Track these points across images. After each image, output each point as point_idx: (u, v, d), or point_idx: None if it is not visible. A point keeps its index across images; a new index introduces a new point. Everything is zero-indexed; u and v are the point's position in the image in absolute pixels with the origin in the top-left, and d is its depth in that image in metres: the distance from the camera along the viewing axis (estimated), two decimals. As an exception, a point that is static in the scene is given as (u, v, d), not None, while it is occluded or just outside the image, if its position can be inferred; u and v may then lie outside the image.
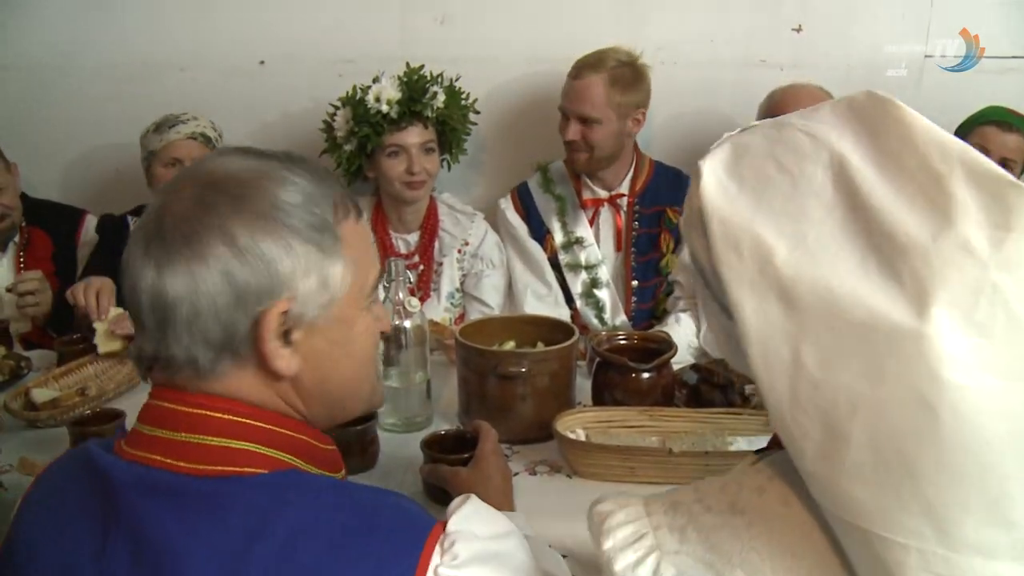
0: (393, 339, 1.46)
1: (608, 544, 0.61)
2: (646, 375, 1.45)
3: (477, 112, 2.06)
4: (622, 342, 1.56)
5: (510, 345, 1.57)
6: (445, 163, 2.06)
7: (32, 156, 2.33)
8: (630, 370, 1.45)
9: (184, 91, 2.31)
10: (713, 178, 0.61)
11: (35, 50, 2.32)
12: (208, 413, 0.67)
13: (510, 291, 2.05)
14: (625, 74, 1.89)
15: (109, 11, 2.29)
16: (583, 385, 1.54)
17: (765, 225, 0.56)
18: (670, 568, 0.58)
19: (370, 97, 1.89)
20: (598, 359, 1.50)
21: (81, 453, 0.72)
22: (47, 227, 2.20)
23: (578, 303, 2.01)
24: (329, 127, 2.01)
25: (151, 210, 0.69)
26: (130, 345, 1.50)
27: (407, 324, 1.48)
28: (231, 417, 0.67)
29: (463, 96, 2.02)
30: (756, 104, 2.06)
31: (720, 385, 1.58)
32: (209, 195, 0.66)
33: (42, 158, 2.37)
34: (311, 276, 0.68)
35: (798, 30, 2.18)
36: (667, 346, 1.52)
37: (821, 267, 0.53)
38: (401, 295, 1.47)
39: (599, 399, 1.50)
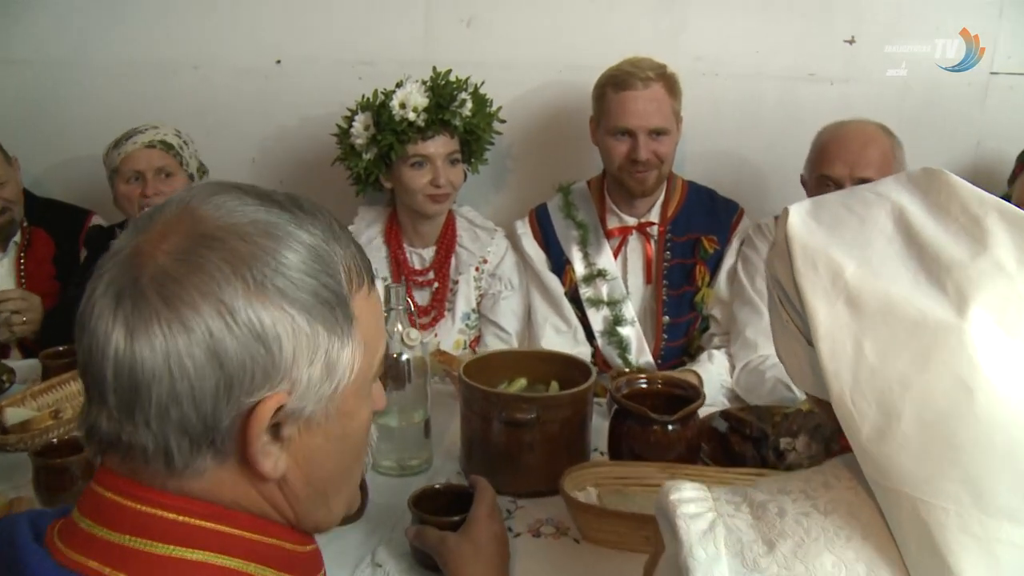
0: (391, 373, 1.33)
1: (675, 496, 0.69)
2: (670, 427, 1.28)
3: (502, 121, 1.94)
4: (643, 386, 1.40)
5: (520, 383, 1.45)
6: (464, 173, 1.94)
7: (41, 153, 2.28)
8: (651, 421, 1.28)
9: (197, 90, 2.23)
10: (797, 217, 0.72)
11: (46, 45, 2.26)
12: (160, 513, 0.56)
13: (529, 318, 1.91)
14: (675, 81, 1.77)
15: (122, 6, 2.22)
16: (600, 427, 1.40)
17: (838, 249, 0.68)
18: (722, 528, 0.67)
19: (395, 103, 1.77)
20: (616, 406, 1.33)
21: (5, 534, 0.59)
22: (50, 227, 2.12)
23: (599, 341, 1.85)
24: (345, 133, 1.89)
25: (123, 255, 0.56)
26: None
27: (406, 357, 1.33)
28: (186, 519, 0.56)
29: (489, 103, 1.90)
30: (802, 121, 1.91)
31: (752, 438, 1.42)
32: (199, 251, 0.54)
33: (51, 155, 2.32)
34: (317, 362, 0.57)
35: (851, 42, 2.01)
36: (694, 394, 1.35)
37: (881, 279, 0.64)
38: (400, 326, 1.33)
39: (616, 451, 1.34)
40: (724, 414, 1.45)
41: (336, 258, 0.59)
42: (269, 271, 0.55)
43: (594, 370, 1.37)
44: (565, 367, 1.43)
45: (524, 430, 1.28)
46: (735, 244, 1.85)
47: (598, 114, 1.82)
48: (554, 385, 1.43)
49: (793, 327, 0.73)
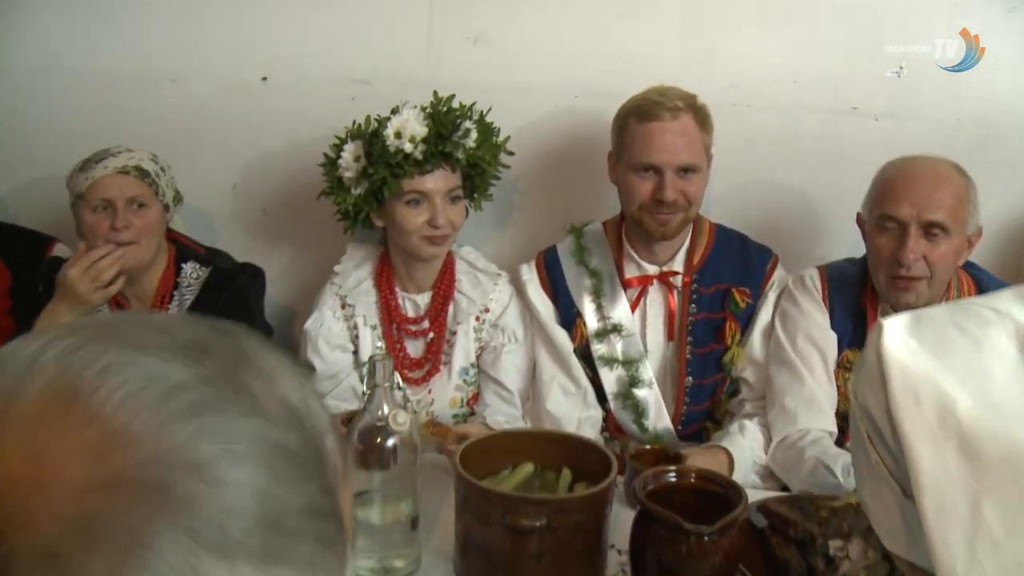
0: (373, 457, 1.17)
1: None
2: (706, 537, 1.08)
3: (510, 153, 1.78)
4: (672, 479, 1.20)
5: (526, 470, 1.29)
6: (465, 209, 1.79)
7: (5, 169, 2.12)
8: (685, 531, 1.07)
9: (174, 106, 2.06)
10: (894, 334, 0.61)
11: (17, 52, 2.09)
12: None
13: (534, 375, 1.76)
14: (706, 113, 1.65)
15: (94, 11, 2.04)
16: (618, 516, 1.21)
17: (947, 378, 0.57)
18: None
19: (389, 132, 1.61)
20: (639, 506, 1.13)
21: None
22: (7, 256, 1.92)
23: (612, 404, 1.71)
24: (332, 163, 1.72)
25: None
26: None
27: (391, 443, 1.16)
28: None
29: (495, 132, 1.75)
30: (844, 159, 1.83)
31: (797, 540, 1.22)
32: (102, 507, 0.33)
33: (18, 170, 2.14)
34: None
35: (899, 73, 1.84)
36: (734, 495, 1.14)
37: (1007, 419, 0.54)
38: (386, 407, 1.15)
39: (639, 561, 1.16)
40: (763, 508, 1.26)
41: (323, 451, 0.40)
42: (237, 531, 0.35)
43: (614, 461, 1.20)
44: (579, 452, 1.27)
45: (531, 537, 1.10)
46: (770, 297, 1.70)
47: (618, 148, 1.67)
48: (566, 474, 1.27)
49: (884, 470, 0.63)
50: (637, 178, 1.62)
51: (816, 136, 1.89)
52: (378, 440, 1.16)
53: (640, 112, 1.60)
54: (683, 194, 1.60)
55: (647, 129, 1.59)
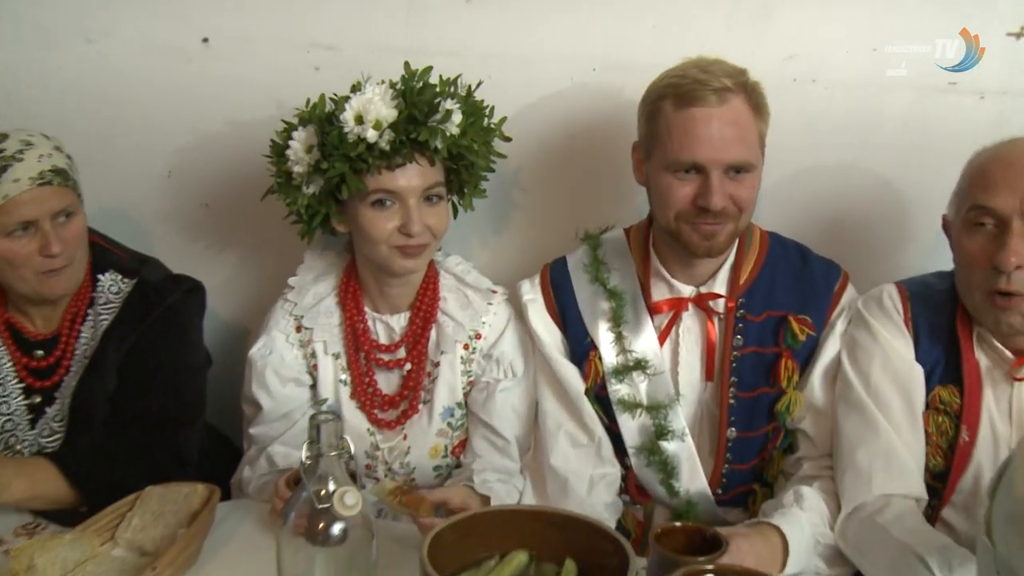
0: (317, 536, 1.11)
1: None
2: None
3: (507, 139, 1.73)
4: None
5: (519, 560, 1.21)
6: (450, 208, 1.75)
7: None
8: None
9: (90, 73, 2.00)
10: None
11: None
12: None
13: (536, 420, 1.73)
14: (759, 94, 1.57)
15: None
16: None
17: None
18: None
19: (348, 116, 1.54)
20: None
21: None
22: None
23: (633, 460, 1.66)
24: (279, 155, 1.65)
25: None
26: None
27: (337, 530, 1.09)
28: None
29: (486, 112, 1.68)
30: (936, 147, 1.77)
31: None
32: None
33: None
34: None
35: (1018, 35, 1.75)
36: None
37: None
38: (332, 485, 1.08)
39: None
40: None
41: None
42: None
43: (632, 556, 1.10)
44: (587, 539, 1.18)
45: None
46: (838, 327, 1.61)
47: (648, 139, 1.59)
48: (569, 567, 1.18)
49: None
50: (674, 180, 1.54)
51: (900, 119, 1.83)
52: (321, 527, 1.08)
53: (678, 94, 1.51)
54: (733, 200, 1.53)
55: (687, 117, 1.50)
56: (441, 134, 1.58)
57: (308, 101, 1.63)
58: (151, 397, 1.62)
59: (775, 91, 1.61)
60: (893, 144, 1.83)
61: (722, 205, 1.52)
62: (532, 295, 1.72)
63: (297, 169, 1.60)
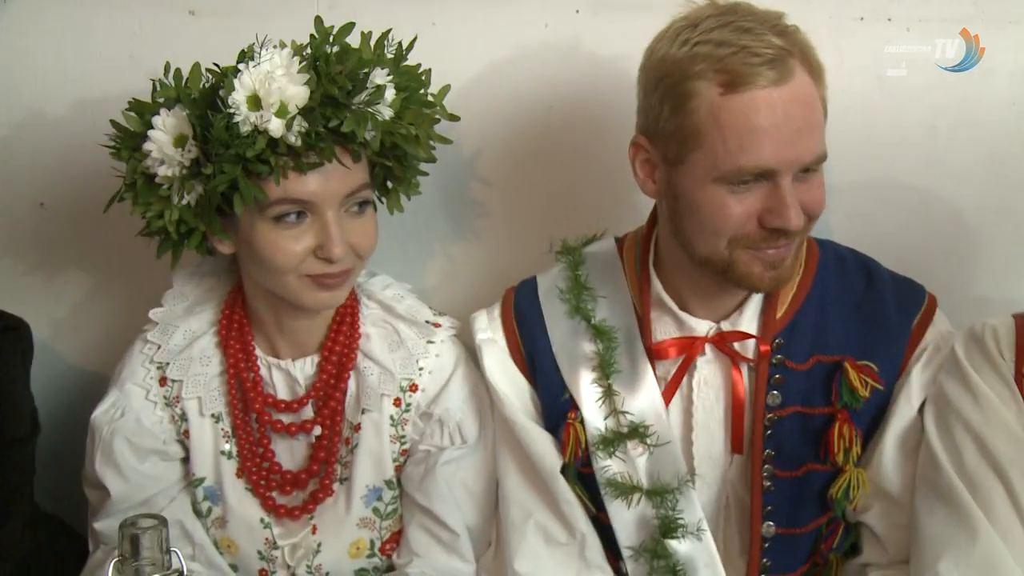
0: None
1: None
2: None
3: (453, 118, 1.76)
4: None
5: None
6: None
7: None
8: None
9: None
10: None
11: None
12: None
13: (496, 506, 1.76)
14: (812, 49, 1.59)
15: None
16: None
17: None
18: None
19: (238, 96, 1.54)
20: None
21: None
22: None
23: (630, 567, 1.68)
24: (128, 148, 1.65)
25: None
26: None
27: None
28: None
29: (420, 83, 1.70)
30: None
31: None
32: None
33: None
34: None
35: None
36: None
37: None
38: None
39: None
40: None
41: None
42: None
43: None
44: None
45: None
46: (921, 376, 1.62)
47: (674, 135, 1.57)
48: None
49: None
50: (730, 195, 1.54)
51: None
52: None
53: (722, 71, 1.50)
54: (805, 208, 1.55)
55: (745, 105, 1.49)
56: (372, 119, 1.58)
57: (168, 67, 1.63)
58: None
59: (827, 41, 1.67)
60: (996, 120, 1.91)
61: (802, 222, 1.54)
62: (489, 332, 1.75)
63: (163, 171, 1.59)
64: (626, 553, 1.66)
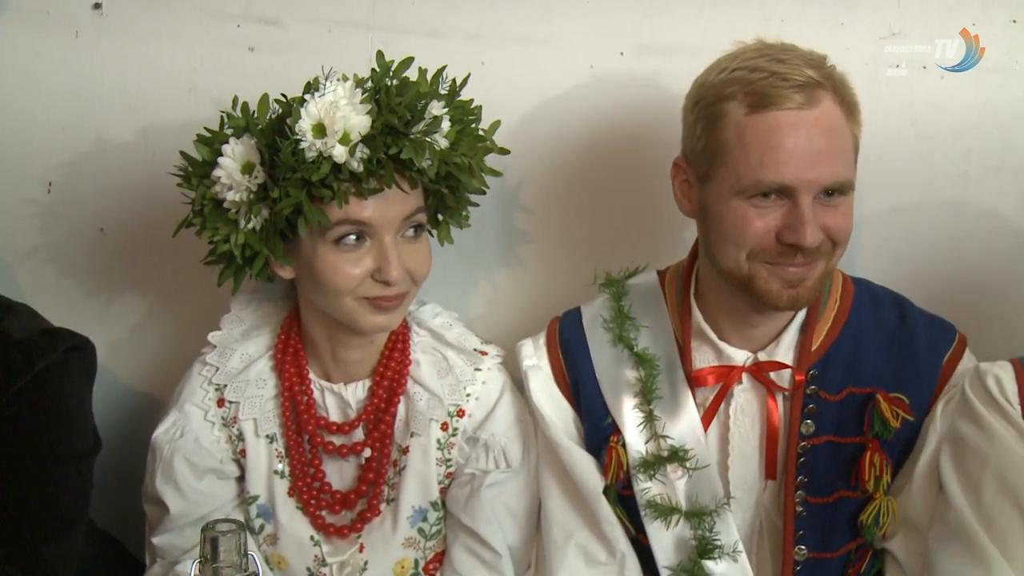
0: None
1: None
2: None
3: (503, 152, 1.80)
4: None
5: None
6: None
7: None
8: None
9: None
10: None
11: None
12: None
13: (538, 527, 1.79)
14: (847, 88, 1.63)
15: None
16: None
17: None
18: None
19: (304, 124, 1.58)
20: None
21: None
22: None
23: None
24: (199, 175, 1.69)
25: None
26: None
27: None
28: None
29: (475, 116, 1.74)
30: None
31: None
32: None
33: None
34: None
35: None
36: None
37: None
38: None
39: None
40: None
41: None
42: None
43: None
44: None
45: None
46: (944, 413, 1.64)
47: (705, 154, 1.62)
48: None
49: None
50: (750, 208, 1.58)
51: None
52: None
53: (752, 92, 1.55)
54: (826, 231, 1.58)
55: (768, 124, 1.54)
56: (429, 148, 1.62)
57: (236, 100, 1.67)
58: (8, 496, 1.62)
59: (866, 84, 1.70)
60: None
61: (817, 240, 1.56)
62: (536, 359, 1.78)
63: (232, 196, 1.62)
64: (664, 573, 1.69)
